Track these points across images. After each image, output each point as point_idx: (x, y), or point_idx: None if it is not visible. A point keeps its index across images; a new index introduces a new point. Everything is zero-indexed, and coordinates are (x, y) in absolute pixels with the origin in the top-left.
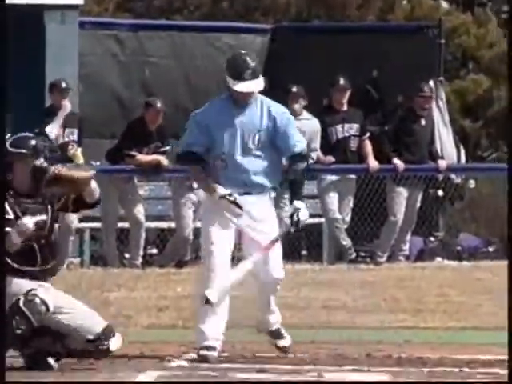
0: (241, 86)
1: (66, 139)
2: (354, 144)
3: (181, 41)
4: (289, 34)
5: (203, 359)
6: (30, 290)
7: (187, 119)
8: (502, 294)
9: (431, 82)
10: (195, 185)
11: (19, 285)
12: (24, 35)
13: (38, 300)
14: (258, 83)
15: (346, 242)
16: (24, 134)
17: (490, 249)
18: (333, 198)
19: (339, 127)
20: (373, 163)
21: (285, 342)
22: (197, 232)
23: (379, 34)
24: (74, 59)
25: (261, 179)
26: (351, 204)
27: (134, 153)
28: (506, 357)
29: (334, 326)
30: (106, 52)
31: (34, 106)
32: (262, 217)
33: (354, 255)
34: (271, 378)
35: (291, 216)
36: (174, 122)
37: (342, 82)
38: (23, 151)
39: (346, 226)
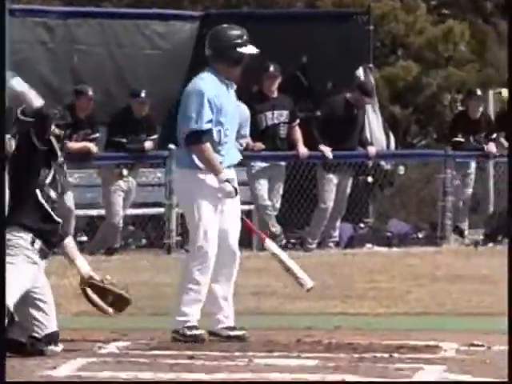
0: (251, 49)
1: None
2: (283, 131)
3: (110, 28)
4: (218, 21)
5: (195, 338)
6: None
7: (116, 106)
8: (431, 280)
9: (361, 69)
10: (125, 171)
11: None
12: None
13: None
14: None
15: (276, 228)
16: None
17: (420, 235)
18: (263, 185)
19: (269, 114)
20: (302, 150)
21: (240, 331)
22: (127, 219)
23: (308, 20)
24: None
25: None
26: (281, 191)
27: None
28: (433, 342)
29: (264, 312)
30: (36, 40)
31: None
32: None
33: (284, 242)
34: (201, 363)
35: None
36: (103, 110)
37: (271, 68)
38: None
39: (276, 213)
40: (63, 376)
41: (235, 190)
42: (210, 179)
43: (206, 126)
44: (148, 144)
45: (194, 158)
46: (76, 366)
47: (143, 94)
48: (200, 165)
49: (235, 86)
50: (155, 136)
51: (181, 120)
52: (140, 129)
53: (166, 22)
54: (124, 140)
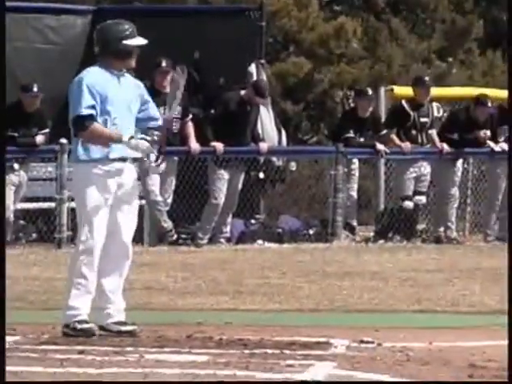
0: (138, 40)
1: None
2: (175, 126)
3: None
4: (110, 16)
5: (86, 332)
6: None
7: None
8: (322, 276)
9: (253, 65)
10: (16, 166)
11: None
12: None
13: None
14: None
15: (167, 224)
16: None
17: (311, 231)
18: (154, 180)
19: (161, 109)
20: (194, 145)
21: (131, 326)
22: (18, 213)
23: (201, 16)
24: None
25: None
26: (173, 186)
27: None
28: (323, 339)
29: (155, 307)
30: None
31: None
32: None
33: (175, 237)
34: (92, 358)
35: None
36: None
37: (163, 64)
38: None
39: (167, 208)
40: None
41: (147, 141)
42: (99, 171)
43: (87, 111)
44: (39, 138)
45: (80, 149)
46: None
47: (35, 89)
48: (88, 157)
49: (130, 77)
50: (46, 130)
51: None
52: (31, 123)
53: (58, 16)
54: (15, 134)
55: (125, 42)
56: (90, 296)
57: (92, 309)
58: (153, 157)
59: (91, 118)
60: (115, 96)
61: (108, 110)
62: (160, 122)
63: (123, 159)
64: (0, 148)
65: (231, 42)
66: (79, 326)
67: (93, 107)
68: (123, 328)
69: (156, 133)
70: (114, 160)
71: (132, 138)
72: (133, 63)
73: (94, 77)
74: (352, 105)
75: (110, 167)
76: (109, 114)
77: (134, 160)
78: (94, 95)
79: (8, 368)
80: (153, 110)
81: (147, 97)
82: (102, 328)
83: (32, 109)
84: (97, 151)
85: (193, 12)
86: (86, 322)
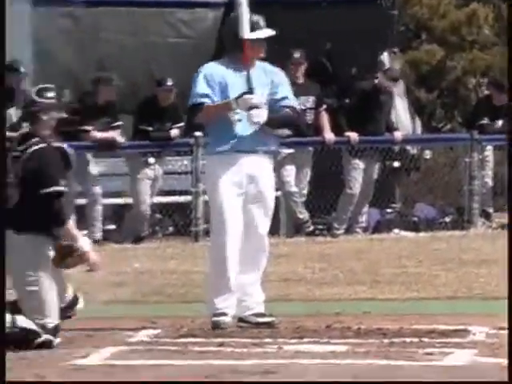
0: (261, 33)
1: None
2: (310, 116)
3: (135, 16)
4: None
5: (216, 325)
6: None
7: (140, 94)
8: (458, 264)
9: (386, 54)
10: (151, 160)
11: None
12: None
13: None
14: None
15: (303, 215)
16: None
17: (447, 219)
18: (290, 171)
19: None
20: (329, 135)
21: (270, 317)
22: (154, 207)
23: (333, 6)
24: (27, 36)
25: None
26: (308, 177)
27: (88, 127)
28: (462, 326)
29: (293, 298)
30: (60, 29)
31: None
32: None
33: (312, 228)
34: (231, 350)
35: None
36: (126, 97)
37: (297, 55)
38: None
39: (303, 199)
40: (95, 364)
41: (256, 107)
42: (228, 165)
43: (199, 100)
44: (174, 132)
45: (211, 143)
46: (107, 354)
47: (169, 83)
48: (217, 150)
49: (260, 65)
50: (181, 124)
51: None
52: (166, 117)
53: (191, 9)
54: (150, 128)
55: (252, 36)
56: (229, 289)
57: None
58: (257, 112)
59: (202, 105)
60: (236, 83)
61: (229, 97)
62: (292, 103)
63: (253, 151)
64: (0, 147)
65: (363, 32)
66: (216, 319)
67: (206, 96)
68: (262, 319)
69: (287, 110)
70: (242, 152)
71: (238, 97)
72: (260, 53)
73: (212, 67)
74: (486, 92)
75: (239, 160)
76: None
77: (266, 152)
78: (211, 85)
79: (149, 361)
80: (283, 91)
81: (281, 81)
82: (240, 320)
83: (166, 103)
84: (225, 144)
85: (325, 2)
86: (225, 314)
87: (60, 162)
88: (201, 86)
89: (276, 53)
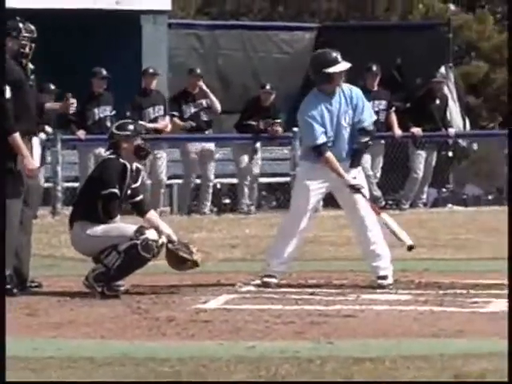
0: (340, 67)
1: (156, 114)
2: (382, 116)
3: (247, 37)
4: (332, 31)
5: (265, 285)
6: (138, 233)
7: (248, 97)
8: (500, 233)
9: (443, 68)
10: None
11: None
12: (125, 33)
13: (150, 242)
14: (347, 63)
15: (377, 192)
16: (124, 120)
17: (490, 197)
18: (366, 159)
19: (371, 103)
20: (397, 131)
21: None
22: (261, 187)
23: (402, 30)
24: (164, 52)
25: (350, 151)
26: (381, 163)
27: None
28: (502, 281)
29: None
30: (189, 46)
31: (132, 86)
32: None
33: (384, 203)
34: (320, 298)
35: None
36: (241, 100)
37: (373, 68)
38: (127, 133)
39: (377, 181)
40: (212, 308)
41: (362, 194)
42: (311, 170)
43: (321, 140)
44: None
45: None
46: (222, 301)
47: (268, 86)
48: (303, 157)
49: (343, 91)
50: (280, 120)
51: (302, 135)
52: (267, 114)
53: (291, 32)
54: (254, 123)
55: (330, 69)
56: (285, 257)
57: None
58: (365, 191)
59: (325, 145)
60: (327, 117)
61: (326, 125)
62: (367, 124)
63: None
64: (0, 148)
65: (425, 50)
66: (264, 280)
67: (324, 133)
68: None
69: (364, 139)
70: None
71: (354, 178)
72: (338, 84)
73: (311, 105)
74: None
75: (320, 168)
76: (326, 134)
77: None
78: (318, 121)
79: (255, 306)
80: (361, 112)
81: (360, 102)
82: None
83: (267, 102)
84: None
85: (395, 27)
86: (269, 276)
87: (118, 173)
88: (315, 126)
89: (358, 67)
